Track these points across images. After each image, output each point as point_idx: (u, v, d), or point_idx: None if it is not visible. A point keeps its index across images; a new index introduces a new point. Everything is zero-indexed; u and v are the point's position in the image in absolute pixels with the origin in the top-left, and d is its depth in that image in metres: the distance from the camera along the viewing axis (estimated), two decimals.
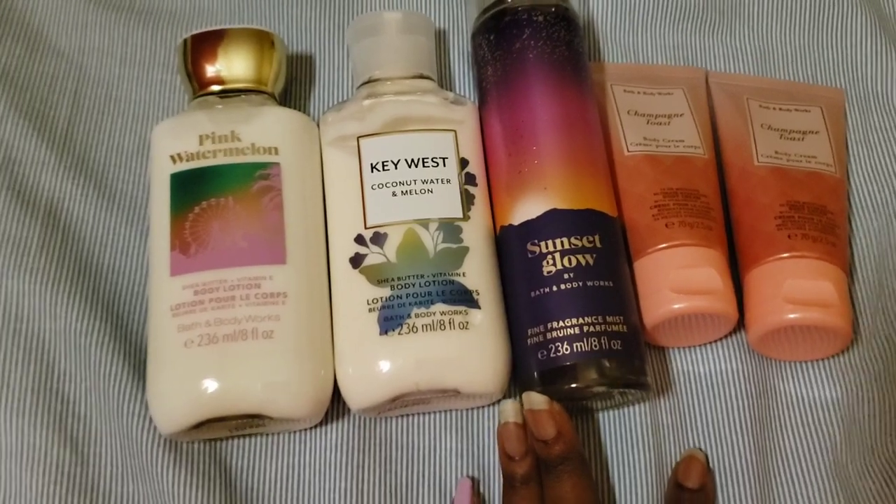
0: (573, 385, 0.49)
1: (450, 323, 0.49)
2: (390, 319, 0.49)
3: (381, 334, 0.49)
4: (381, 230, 0.51)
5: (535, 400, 0.48)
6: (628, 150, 0.56)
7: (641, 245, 0.53)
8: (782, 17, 0.64)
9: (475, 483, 0.52)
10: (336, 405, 0.52)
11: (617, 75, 0.60)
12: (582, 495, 0.48)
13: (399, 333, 0.49)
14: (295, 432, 0.53)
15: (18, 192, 0.56)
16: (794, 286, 0.51)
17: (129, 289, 0.56)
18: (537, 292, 0.50)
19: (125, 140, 0.60)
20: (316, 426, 0.53)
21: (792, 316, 0.51)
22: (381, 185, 0.52)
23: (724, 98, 0.60)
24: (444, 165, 0.53)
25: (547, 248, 0.50)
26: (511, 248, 0.52)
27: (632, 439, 0.53)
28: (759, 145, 0.57)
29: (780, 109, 0.59)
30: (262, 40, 0.57)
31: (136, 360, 0.53)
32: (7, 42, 0.61)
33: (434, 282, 0.50)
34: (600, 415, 0.54)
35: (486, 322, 0.50)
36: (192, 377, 0.48)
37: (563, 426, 0.48)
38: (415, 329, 0.49)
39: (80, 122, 0.60)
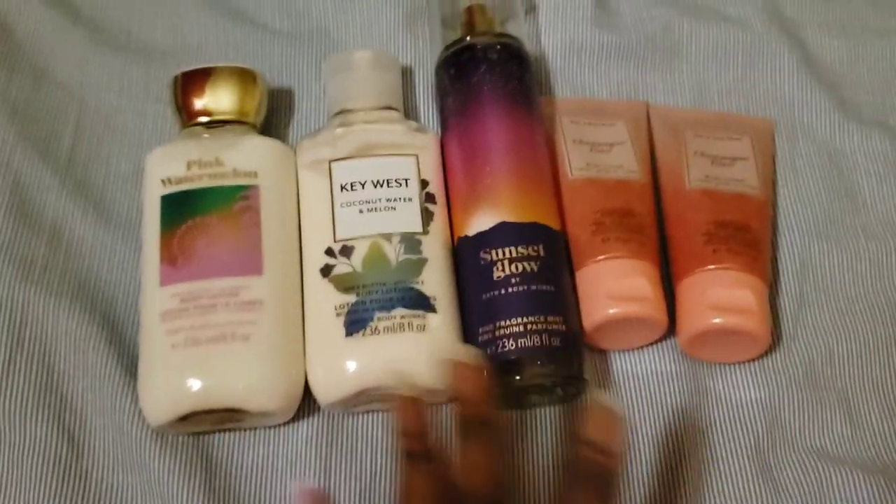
0: (517, 377, 0.52)
1: (409, 325, 0.53)
2: (355, 323, 0.53)
3: (346, 336, 0.53)
4: (349, 243, 0.55)
5: (466, 354, 0.47)
6: (573, 174, 0.59)
7: (582, 257, 0.57)
8: (718, 55, 0.67)
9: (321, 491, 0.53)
10: (307, 402, 0.55)
11: (565, 109, 0.63)
12: (493, 463, 0.45)
13: (363, 335, 0.52)
14: (269, 427, 0.55)
15: (26, 213, 0.60)
16: (717, 294, 0.55)
17: (123, 299, 0.59)
18: (488, 295, 0.54)
19: (121, 166, 0.63)
20: (288, 421, 0.55)
21: (715, 321, 0.54)
22: (349, 203, 0.56)
23: (663, 128, 0.63)
24: (407, 186, 0.56)
25: (497, 255, 0.54)
26: (466, 256, 0.56)
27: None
28: (692, 170, 0.60)
29: (713, 138, 0.62)
30: (246, 77, 0.60)
31: (128, 362, 0.56)
32: (16, 77, 0.65)
33: (395, 289, 0.53)
34: (546, 409, 0.56)
35: (441, 325, 0.54)
36: (179, 375, 0.52)
37: (487, 388, 0.46)
38: (377, 331, 0.52)
39: (80, 149, 0.63)
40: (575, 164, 0.60)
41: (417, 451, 0.45)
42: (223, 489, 0.54)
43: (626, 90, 0.67)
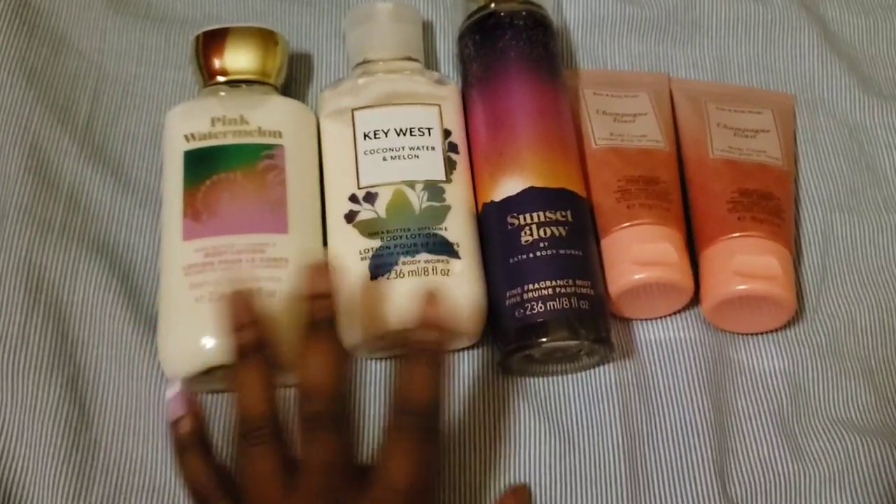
0: (544, 338, 0.52)
1: (433, 270, 0.53)
2: (380, 267, 0.53)
3: (371, 279, 0.53)
4: (373, 190, 0.55)
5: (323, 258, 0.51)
6: (596, 144, 0.59)
7: (607, 225, 0.57)
8: (738, 30, 0.68)
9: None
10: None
11: (588, 80, 0.64)
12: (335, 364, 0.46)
13: (388, 279, 0.53)
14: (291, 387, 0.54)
15: (44, 177, 0.60)
16: (742, 261, 0.55)
17: (141, 264, 0.59)
18: (516, 259, 0.54)
19: (139, 132, 0.63)
20: None
21: (740, 287, 0.54)
22: (372, 151, 0.56)
23: (685, 101, 0.63)
24: (429, 135, 0.57)
25: (525, 220, 0.54)
26: (492, 221, 0.56)
27: (600, 396, 0.56)
28: (715, 141, 0.60)
29: (735, 111, 0.62)
30: (268, 38, 0.60)
31: (146, 328, 0.56)
32: (35, 44, 0.64)
33: (419, 234, 0.54)
34: (572, 375, 0.56)
35: (465, 270, 0.54)
36: (203, 328, 0.51)
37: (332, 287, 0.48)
38: (402, 275, 0.53)
39: (99, 115, 0.63)
40: (598, 133, 0.60)
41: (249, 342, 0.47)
42: None
43: (647, 63, 0.67)
